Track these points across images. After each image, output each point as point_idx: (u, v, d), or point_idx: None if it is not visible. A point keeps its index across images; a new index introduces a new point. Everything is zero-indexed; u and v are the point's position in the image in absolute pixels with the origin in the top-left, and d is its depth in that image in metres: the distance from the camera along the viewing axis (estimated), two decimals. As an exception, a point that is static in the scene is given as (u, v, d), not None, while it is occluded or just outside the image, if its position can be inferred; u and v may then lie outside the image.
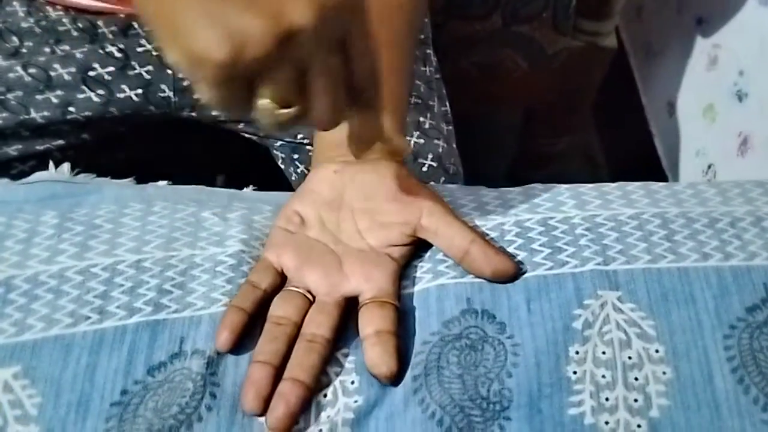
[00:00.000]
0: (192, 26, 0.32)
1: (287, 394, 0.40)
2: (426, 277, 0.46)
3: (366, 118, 0.40)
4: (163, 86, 0.66)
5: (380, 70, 0.38)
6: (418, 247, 0.48)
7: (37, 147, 0.66)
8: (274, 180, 0.68)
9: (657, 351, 0.42)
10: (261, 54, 0.32)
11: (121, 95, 0.65)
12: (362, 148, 0.42)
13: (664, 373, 0.41)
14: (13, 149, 0.66)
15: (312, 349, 0.42)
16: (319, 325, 0.43)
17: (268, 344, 0.42)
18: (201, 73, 0.33)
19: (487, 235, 0.48)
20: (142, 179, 0.57)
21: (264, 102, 0.35)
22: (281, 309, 0.44)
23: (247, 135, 0.72)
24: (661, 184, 0.53)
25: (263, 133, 0.71)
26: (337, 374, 0.42)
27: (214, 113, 0.69)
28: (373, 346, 0.42)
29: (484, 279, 0.45)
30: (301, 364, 0.41)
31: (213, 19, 0.32)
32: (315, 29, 0.33)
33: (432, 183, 0.66)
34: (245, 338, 0.43)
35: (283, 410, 0.40)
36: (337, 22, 0.34)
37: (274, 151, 0.72)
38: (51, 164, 0.55)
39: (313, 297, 0.45)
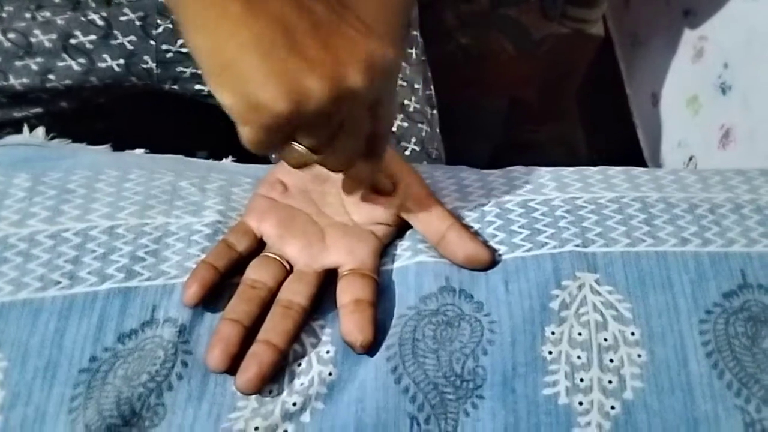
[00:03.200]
0: (257, 76, 0.34)
1: (260, 355, 0.40)
2: (405, 255, 0.46)
3: (369, 164, 0.44)
4: (145, 57, 0.65)
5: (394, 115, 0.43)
6: (400, 229, 0.48)
7: (15, 114, 0.65)
8: (254, 156, 0.67)
9: (633, 334, 0.42)
10: (317, 111, 0.35)
11: (103, 65, 0.64)
12: (354, 187, 0.46)
13: (639, 355, 0.41)
14: (-11, 115, 0.65)
15: (287, 315, 0.42)
16: (295, 293, 0.43)
17: (240, 304, 0.42)
18: (255, 118, 0.35)
19: (468, 216, 0.48)
20: (119, 150, 0.56)
21: (296, 146, 0.38)
22: (257, 273, 0.44)
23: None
24: (642, 169, 0.53)
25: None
26: (313, 345, 0.42)
27: (196, 87, 0.68)
28: (350, 314, 0.42)
29: (458, 265, 0.44)
30: (275, 328, 0.41)
31: (279, 74, 0.34)
32: (365, 93, 0.36)
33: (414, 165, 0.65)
34: (217, 303, 0.43)
35: (254, 371, 0.39)
36: (380, 87, 0.38)
37: (255, 126, 0.71)
38: (25, 128, 0.54)
39: (291, 267, 0.45)
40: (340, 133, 0.39)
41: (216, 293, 0.43)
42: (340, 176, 0.47)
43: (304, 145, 0.38)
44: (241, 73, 0.34)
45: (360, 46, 0.36)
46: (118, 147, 0.56)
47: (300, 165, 0.40)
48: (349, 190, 0.47)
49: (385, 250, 0.47)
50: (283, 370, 0.41)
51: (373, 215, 0.47)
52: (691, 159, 0.95)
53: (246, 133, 0.36)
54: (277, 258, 0.45)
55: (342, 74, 0.35)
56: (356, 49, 0.36)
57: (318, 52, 0.35)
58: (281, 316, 0.42)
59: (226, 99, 0.35)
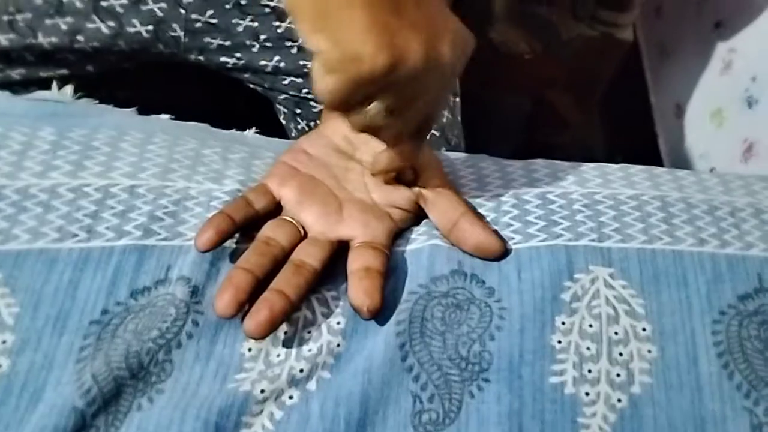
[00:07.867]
0: (359, 27, 0.34)
1: (272, 301, 0.40)
2: (420, 239, 0.46)
3: (411, 146, 0.44)
4: (174, 25, 0.65)
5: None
6: (417, 218, 0.48)
7: (41, 73, 0.66)
8: (275, 131, 0.67)
9: (644, 329, 0.42)
10: (411, 72, 0.36)
11: (132, 29, 0.64)
12: (382, 168, 0.45)
13: (649, 351, 0.41)
14: (16, 73, 0.65)
15: (299, 272, 0.42)
16: (308, 255, 0.43)
17: (254, 256, 0.42)
18: (349, 68, 0.34)
19: (485, 205, 0.48)
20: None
21: (373, 106, 0.38)
22: (273, 232, 0.44)
23: (252, 85, 0.71)
24: (663, 169, 0.53)
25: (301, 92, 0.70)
26: (324, 315, 0.42)
27: (221, 59, 0.68)
28: (360, 280, 0.41)
29: (468, 253, 0.44)
30: (288, 281, 0.41)
31: (382, 28, 0.34)
32: (449, 67, 0.38)
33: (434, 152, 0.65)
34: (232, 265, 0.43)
35: (265, 315, 0.39)
36: (458, 66, 0.39)
37: (277, 105, 0.71)
38: (54, 85, 0.55)
39: (305, 234, 0.45)
40: (413, 102, 0.39)
41: (231, 256, 0.43)
42: (365, 158, 0.47)
43: (380, 106, 0.38)
44: (344, 22, 0.34)
45: (451, 22, 0.38)
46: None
47: (363, 127, 0.39)
48: (376, 169, 0.46)
49: (400, 233, 0.47)
50: (292, 335, 0.41)
51: (392, 198, 0.47)
52: (711, 171, 0.95)
53: (330, 83, 0.35)
54: (293, 222, 0.45)
55: (437, 42, 0.36)
56: (448, 23, 0.38)
57: (418, 17, 0.36)
58: (293, 272, 0.42)
59: (322, 45, 0.35)
